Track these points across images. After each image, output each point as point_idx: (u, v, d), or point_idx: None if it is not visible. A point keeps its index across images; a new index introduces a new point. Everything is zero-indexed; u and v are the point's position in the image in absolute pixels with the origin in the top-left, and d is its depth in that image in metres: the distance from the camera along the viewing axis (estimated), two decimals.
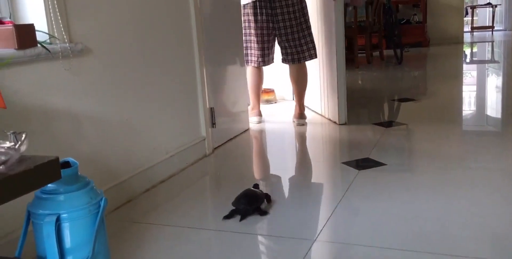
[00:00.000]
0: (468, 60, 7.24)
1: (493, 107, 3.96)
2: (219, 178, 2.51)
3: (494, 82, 5.23)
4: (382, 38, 7.01)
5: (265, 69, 3.68)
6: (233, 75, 3.18)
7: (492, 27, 11.27)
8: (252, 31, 3.25)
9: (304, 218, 1.88)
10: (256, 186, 2.08)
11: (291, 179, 2.41)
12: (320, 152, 2.88)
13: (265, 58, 3.32)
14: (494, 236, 1.63)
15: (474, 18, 11.47)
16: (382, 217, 1.82)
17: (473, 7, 11.49)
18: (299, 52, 3.24)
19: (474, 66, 6.59)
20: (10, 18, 1.70)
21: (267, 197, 2.02)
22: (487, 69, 6.16)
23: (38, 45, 1.64)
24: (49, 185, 1.24)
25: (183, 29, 2.57)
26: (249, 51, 3.33)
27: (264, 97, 4.12)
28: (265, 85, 4.23)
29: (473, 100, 4.31)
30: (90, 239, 1.27)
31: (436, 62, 6.76)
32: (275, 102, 4.18)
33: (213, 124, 2.83)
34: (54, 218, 1.20)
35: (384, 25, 6.84)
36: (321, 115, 3.58)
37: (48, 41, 1.72)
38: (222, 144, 2.96)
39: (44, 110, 1.70)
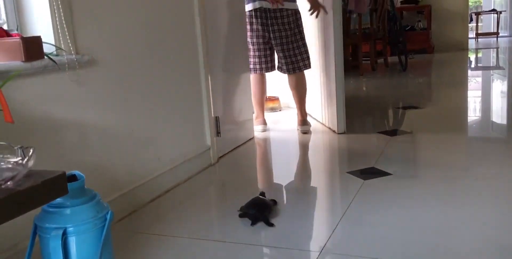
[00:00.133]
0: (473, 66, 7.23)
1: (499, 113, 3.95)
2: (224, 188, 2.51)
3: (499, 88, 5.22)
4: (386, 45, 7.02)
5: (269, 77, 3.70)
6: (238, 83, 3.19)
7: (497, 33, 11.25)
8: (251, 39, 3.30)
9: (310, 228, 1.88)
10: (262, 194, 2.11)
11: (296, 189, 2.41)
12: (325, 161, 2.88)
13: (263, 65, 3.36)
14: (502, 248, 1.62)
15: (478, 24, 11.47)
16: (388, 228, 1.81)
17: (477, 14, 11.48)
18: (293, 62, 3.29)
19: (479, 72, 6.58)
20: (17, 30, 1.71)
21: (275, 203, 2.07)
22: (492, 75, 6.15)
23: (45, 57, 1.65)
24: None
25: (188, 38, 2.58)
26: (251, 59, 3.37)
27: (269, 104, 4.12)
28: (269, 93, 4.24)
29: (478, 107, 4.29)
30: (97, 252, 1.28)
31: (441, 69, 6.76)
32: (280, 110, 4.19)
33: (218, 133, 2.84)
34: (61, 232, 1.20)
35: (388, 32, 6.85)
36: (322, 123, 3.57)
37: (55, 52, 1.73)
38: (227, 153, 2.96)
39: (51, 121, 1.70)
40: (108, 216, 1.29)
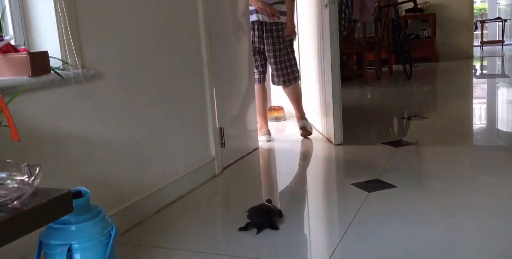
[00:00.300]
0: (478, 74, 7.22)
1: (504, 122, 3.94)
2: (228, 199, 2.51)
3: (505, 96, 5.21)
4: (391, 53, 7.03)
5: (274, 86, 3.74)
6: (243, 94, 3.20)
7: (502, 41, 11.24)
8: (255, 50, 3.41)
9: (315, 241, 1.88)
10: (269, 201, 2.16)
11: (300, 201, 2.41)
12: (329, 173, 2.88)
13: (260, 75, 3.50)
14: None
15: (484, 31, 11.46)
16: (393, 242, 1.80)
17: (482, 22, 11.48)
18: (284, 75, 3.45)
19: (485, 80, 6.57)
20: (24, 44, 1.73)
21: (280, 213, 2.08)
22: (497, 82, 6.14)
23: (52, 71, 1.66)
24: None
25: (193, 50, 2.59)
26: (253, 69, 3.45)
27: (273, 114, 4.13)
28: (274, 102, 4.26)
29: (484, 116, 4.28)
30: None
31: (445, 77, 6.75)
32: (284, 119, 4.19)
33: (222, 144, 2.84)
34: (66, 248, 1.21)
35: (393, 40, 6.86)
36: (322, 134, 3.57)
37: (61, 67, 1.75)
38: (232, 163, 2.96)
39: (57, 134, 1.72)
40: (113, 232, 1.30)
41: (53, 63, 1.70)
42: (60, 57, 1.74)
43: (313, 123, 3.74)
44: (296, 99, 3.60)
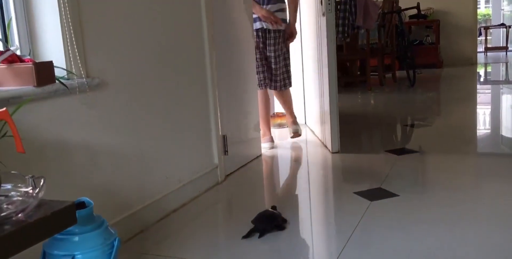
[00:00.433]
0: (482, 80, 7.22)
1: (509, 128, 3.93)
2: (231, 207, 2.52)
3: (510, 103, 5.20)
4: (395, 60, 7.04)
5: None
6: (246, 101, 3.21)
7: (506, 47, 11.23)
8: (255, 56, 3.43)
9: (317, 250, 1.88)
10: (274, 207, 2.20)
11: (302, 209, 2.41)
12: (332, 181, 2.88)
13: (265, 81, 3.55)
14: None
15: (487, 37, 11.46)
16: (395, 252, 1.81)
17: (486, 28, 11.48)
18: (281, 80, 3.54)
19: (489, 87, 6.57)
20: (29, 54, 1.75)
21: (284, 220, 2.12)
22: (502, 89, 6.14)
23: (56, 81, 1.68)
24: None
25: (196, 58, 2.61)
26: (256, 75, 3.48)
27: (277, 120, 4.14)
28: (277, 109, 4.27)
29: (488, 123, 4.28)
30: None
31: (449, 84, 6.75)
32: (287, 126, 4.19)
33: (225, 151, 2.85)
34: None
35: (396, 47, 6.87)
36: (321, 141, 3.58)
37: (66, 76, 1.76)
38: (235, 171, 2.97)
39: (61, 143, 1.73)
40: (116, 243, 1.31)
41: (58, 72, 1.72)
42: (65, 67, 1.76)
43: (314, 130, 3.75)
44: (289, 103, 3.73)
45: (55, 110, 1.71)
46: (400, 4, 6.78)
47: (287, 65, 3.56)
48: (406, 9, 6.88)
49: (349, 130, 4.23)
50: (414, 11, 7.93)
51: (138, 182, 2.13)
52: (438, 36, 8.33)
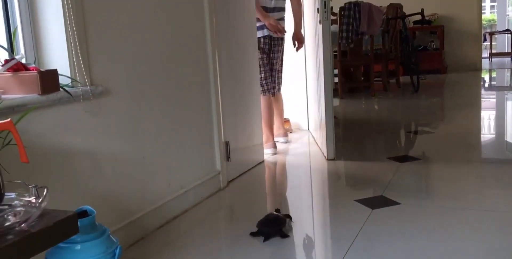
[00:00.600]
0: (486, 86, 7.21)
1: None
2: (233, 213, 2.53)
3: None
4: (399, 65, 7.04)
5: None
6: (249, 108, 3.23)
7: (511, 53, 11.21)
8: (262, 61, 3.52)
9: (319, 257, 1.89)
10: (278, 210, 2.25)
11: (303, 216, 2.42)
12: (334, 188, 2.88)
13: (270, 87, 3.63)
14: None
15: (492, 43, 11.44)
16: None
17: (491, 34, 11.47)
18: (278, 83, 3.70)
19: (493, 93, 6.56)
20: (35, 62, 1.77)
21: (289, 218, 2.21)
22: (506, 95, 6.13)
23: (60, 89, 1.70)
24: None
25: (199, 65, 2.63)
26: (262, 81, 3.54)
27: None
28: None
29: (492, 130, 4.27)
30: None
31: (453, 90, 6.75)
32: (291, 132, 4.21)
33: (228, 157, 2.87)
34: None
35: (401, 52, 6.87)
36: (320, 148, 3.59)
37: (70, 84, 1.78)
38: (237, 177, 2.99)
39: (64, 150, 1.75)
40: (117, 251, 1.32)
41: (62, 80, 1.74)
42: (69, 75, 1.78)
43: (315, 136, 3.76)
44: (282, 108, 3.85)
45: (59, 117, 1.73)
46: (404, 10, 6.79)
47: (281, 71, 3.73)
48: (410, 15, 6.88)
49: (351, 136, 4.24)
50: (419, 17, 7.94)
51: (140, 189, 2.15)
52: (443, 41, 8.33)
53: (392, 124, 4.59)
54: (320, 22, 3.14)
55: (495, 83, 7.72)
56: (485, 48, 10.86)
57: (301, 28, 3.70)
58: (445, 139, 3.86)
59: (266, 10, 3.44)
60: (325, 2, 3.07)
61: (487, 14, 15.67)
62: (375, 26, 5.88)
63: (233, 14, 3.01)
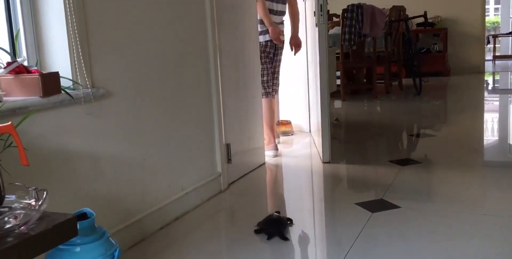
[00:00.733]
0: (490, 89, 7.20)
1: None
2: (233, 215, 2.54)
3: None
4: (401, 68, 7.03)
5: (281, 101, 3.79)
6: (250, 110, 3.23)
7: None
8: (265, 65, 3.53)
9: None
10: (278, 212, 2.28)
11: (303, 219, 2.42)
12: (334, 191, 2.89)
13: (271, 89, 3.65)
14: None
15: (496, 45, 11.41)
16: None
17: (495, 36, 11.44)
18: (276, 86, 3.73)
19: (496, 95, 6.55)
20: (36, 65, 1.78)
21: (290, 221, 2.24)
22: (510, 97, 6.12)
23: (62, 91, 1.71)
24: None
25: (201, 67, 2.64)
26: (264, 84, 3.54)
27: (281, 128, 4.16)
28: (281, 117, 4.29)
29: (495, 134, 4.26)
30: None
31: (456, 93, 6.74)
32: (292, 134, 4.22)
33: (229, 160, 2.87)
34: None
35: (403, 55, 6.87)
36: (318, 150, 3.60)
37: (72, 86, 1.80)
38: (238, 179, 2.99)
39: (65, 152, 1.76)
40: (116, 254, 1.33)
41: (64, 83, 1.75)
42: (71, 77, 1.79)
43: (315, 139, 3.77)
44: (274, 113, 3.82)
45: (61, 120, 1.74)
46: (407, 12, 6.79)
47: (279, 74, 3.78)
48: (413, 17, 6.88)
49: (353, 138, 4.24)
50: (422, 19, 7.93)
51: (141, 190, 2.16)
52: (446, 44, 8.32)
53: (394, 127, 4.59)
54: (316, 25, 3.15)
55: (498, 85, 7.71)
56: (489, 51, 10.84)
57: (298, 32, 3.75)
58: (447, 142, 3.86)
59: (271, 12, 3.48)
60: (321, 5, 3.09)
61: (491, 17, 15.65)
62: (377, 28, 5.88)
63: (235, 16, 3.02)
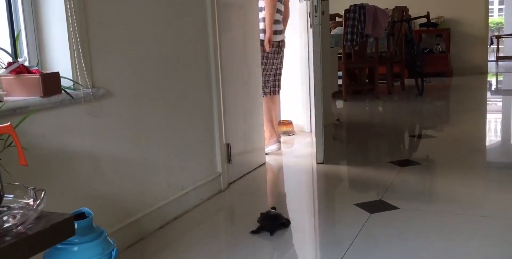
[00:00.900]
0: (493, 90, 7.18)
1: None
2: (233, 214, 2.55)
3: None
4: (404, 68, 7.03)
5: (283, 101, 3.81)
6: (250, 110, 3.24)
7: None
8: (268, 66, 3.57)
9: None
10: (274, 208, 2.34)
11: (302, 220, 2.43)
12: (333, 191, 2.90)
13: (272, 88, 3.70)
14: None
15: (499, 46, 11.38)
16: None
17: (498, 37, 11.42)
18: (278, 85, 3.77)
19: (500, 96, 6.54)
20: (37, 65, 1.80)
21: (288, 222, 2.26)
22: None
23: (62, 91, 1.72)
24: None
25: (201, 67, 2.65)
26: (266, 83, 3.57)
27: (282, 128, 4.16)
28: (283, 117, 4.30)
29: (498, 135, 4.25)
30: None
31: (459, 93, 6.73)
32: (293, 134, 4.22)
33: (229, 159, 2.89)
34: None
35: (405, 55, 6.86)
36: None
37: (72, 86, 1.81)
38: (238, 179, 3.00)
39: (65, 152, 1.78)
40: (114, 253, 1.34)
41: (64, 83, 1.76)
42: (71, 77, 1.80)
43: (313, 139, 3.78)
44: (276, 113, 3.84)
45: (61, 119, 1.75)
46: (410, 13, 6.77)
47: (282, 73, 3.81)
48: (416, 18, 6.87)
49: (354, 139, 4.25)
50: (425, 20, 7.92)
51: (141, 190, 2.17)
52: (449, 44, 8.31)
53: (395, 127, 4.59)
54: (311, 26, 3.16)
55: (501, 86, 7.70)
56: (492, 51, 10.81)
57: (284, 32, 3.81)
58: (448, 143, 3.85)
59: (274, 22, 3.52)
60: (315, 6, 3.10)
61: (495, 17, 15.60)
62: (380, 28, 5.88)
63: (235, 15, 3.03)
